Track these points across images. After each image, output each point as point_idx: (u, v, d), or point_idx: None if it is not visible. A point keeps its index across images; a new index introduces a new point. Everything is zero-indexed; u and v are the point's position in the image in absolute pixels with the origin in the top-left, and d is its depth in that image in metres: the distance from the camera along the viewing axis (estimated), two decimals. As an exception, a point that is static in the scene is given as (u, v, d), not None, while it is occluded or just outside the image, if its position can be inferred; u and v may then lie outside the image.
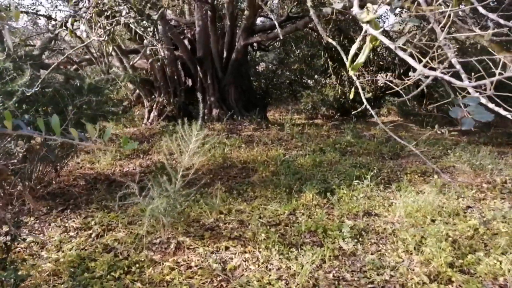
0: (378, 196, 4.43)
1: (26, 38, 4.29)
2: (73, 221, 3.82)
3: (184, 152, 3.63)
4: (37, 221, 3.86)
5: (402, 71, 12.29)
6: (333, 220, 3.76)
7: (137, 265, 2.92)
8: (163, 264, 2.96)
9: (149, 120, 9.39)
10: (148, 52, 6.14)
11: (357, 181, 4.70)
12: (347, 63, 1.99)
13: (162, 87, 9.10)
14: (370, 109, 2.80)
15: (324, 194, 4.47)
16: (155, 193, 3.12)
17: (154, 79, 9.22)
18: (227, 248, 3.20)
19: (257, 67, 15.16)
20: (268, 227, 3.51)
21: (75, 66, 9.66)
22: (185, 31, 10.66)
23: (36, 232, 3.67)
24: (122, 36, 9.19)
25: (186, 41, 10.40)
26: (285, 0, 11.87)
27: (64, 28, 4.29)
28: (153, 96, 9.36)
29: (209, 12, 8.47)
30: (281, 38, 10.99)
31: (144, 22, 3.78)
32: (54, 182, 4.88)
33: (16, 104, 3.66)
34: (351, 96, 3.16)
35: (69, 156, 4.80)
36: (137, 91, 10.31)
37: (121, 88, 13.16)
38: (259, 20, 13.06)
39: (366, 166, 5.59)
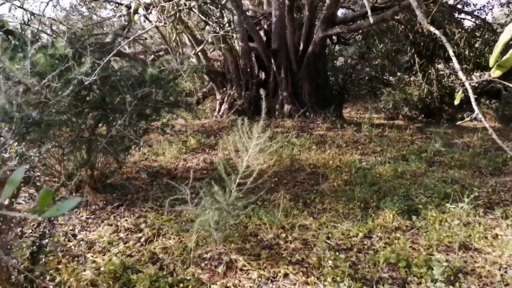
0: (477, 223, 3.60)
1: (91, 24, 4.17)
2: (126, 220, 3.59)
3: (244, 154, 3.18)
4: (92, 216, 3.69)
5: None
6: (419, 251, 3.06)
7: (182, 285, 2.54)
8: (210, 287, 2.55)
9: (220, 113, 9.18)
10: (210, 40, 5.77)
11: (448, 200, 3.91)
12: (491, 60, 1.34)
13: (234, 80, 8.81)
14: (479, 113, 2.21)
15: (407, 215, 3.75)
16: (207, 202, 2.71)
17: (227, 71, 8.96)
18: (286, 275, 2.69)
19: (335, 62, 14.30)
20: (337, 253, 2.93)
21: (152, 56, 9.78)
22: (261, 22, 10.26)
23: (89, 228, 3.50)
24: (198, 25, 9.05)
25: (261, 32, 10.00)
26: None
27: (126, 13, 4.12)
28: (225, 89, 9.12)
29: (286, 1, 7.93)
30: (365, 30, 10.11)
31: (210, 7, 3.38)
32: (115, 173, 4.76)
33: (73, 93, 3.49)
34: (457, 101, 2.47)
35: (130, 148, 4.62)
36: (211, 83, 10.19)
37: (194, 79, 13.27)
38: (339, 12, 12.23)
39: (459, 182, 4.70)
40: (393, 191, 4.46)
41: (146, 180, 4.93)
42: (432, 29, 2.65)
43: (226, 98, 8.97)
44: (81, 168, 4.10)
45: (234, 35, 9.03)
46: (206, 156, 6.00)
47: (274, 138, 7.02)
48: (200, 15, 5.11)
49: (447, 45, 2.60)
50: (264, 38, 9.83)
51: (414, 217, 3.64)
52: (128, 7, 5.68)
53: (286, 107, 8.58)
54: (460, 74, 2.47)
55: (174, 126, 5.83)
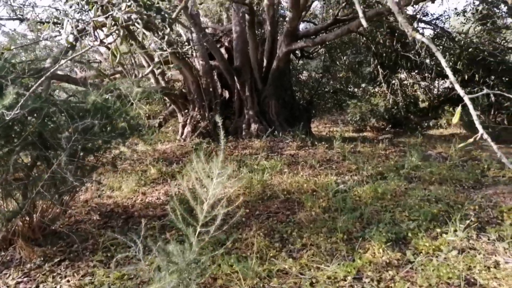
0: (473, 249, 3.23)
1: (19, 47, 3.57)
2: (68, 280, 2.95)
3: (207, 188, 2.66)
4: (25, 279, 3.02)
5: (466, 77, 10.77)
6: (419, 294, 2.63)
7: None
8: None
9: (183, 136, 8.60)
10: (157, 59, 5.28)
11: (436, 223, 3.55)
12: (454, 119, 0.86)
13: (196, 100, 8.29)
14: (484, 134, 1.91)
15: (397, 245, 3.34)
16: (163, 262, 2.15)
17: (188, 92, 8.43)
18: None
19: (299, 76, 14.09)
20: (325, 306, 2.44)
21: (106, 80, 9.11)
22: (222, 39, 9.86)
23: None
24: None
25: (223, 50, 9.60)
26: (332, 1, 10.76)
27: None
28: (187, 110, 8.57)
29: (247, 16, 7.57)
30: (329, 43, 9.92)
31: (157, 16, 2.87)
32: (60, 218, 4.08)
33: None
34: (456, 120, 2.13)
35: (75, 189, 3.98)
36: (172, 105, 9.60)
37: (153, 102, 12.62)
38: (301, 26, 12.06)
39: (443, 200, 4.37)
40: (376, 216, 4.05)
41: (98, 222, 4.28)
42: (419, 37, 2.29)
43: (188, 120, 8.42)
44: (13, 217, 3.42)
45: (194, 54, 8.56)
46: (168, 188, 5.40)
47: (243, 162, 6.55)
48: (145, 31, 4.56)
49: (438, 54, 2.25)
50: (226, 56, 9.42)
51: (403, 248, 3.23)
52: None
53: (253, 127, 8.14)
54: (458, 88, 2.12)
55: (128, 158, 5.22)
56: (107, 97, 3.41)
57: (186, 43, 7.94)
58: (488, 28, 10.09)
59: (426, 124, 12.97)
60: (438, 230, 3.54)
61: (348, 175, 5.56)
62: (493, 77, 10.95)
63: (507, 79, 11.36)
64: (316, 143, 7.44)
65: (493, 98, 9.94)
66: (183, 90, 8.68)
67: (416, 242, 3.33)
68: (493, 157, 6.57)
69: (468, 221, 3.62)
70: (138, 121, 4.82)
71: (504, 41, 11.02)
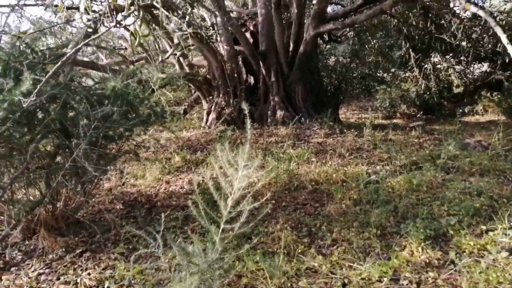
0: (524, 250, 2.92)
1: (34, 31, 3.45)
2: (89, 273, 2.86)
3: (230, 186, 2.47)
4: (46, 270, 2.95)
5: (507, 60, 10.06)
6: (464, 300, 2.37)
7: None
8: None
9: (207, 123, 8.46)
10: (176, 40, 5.08)
11: (479, 219, 3.26)
12: None
13: (220, 87, 8.10)
14: None
15: (436, 243, 3.07)
16: (183, 262, 1.99)
17: (212, 78, 8.24)
18: None
19: (326, 61, 13.62)
20: (360, 311, 2.23)
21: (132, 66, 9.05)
22: (247, 23, 9.58)
23: (41, 288, 2.75)
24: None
25: (248, 34, 9.32)
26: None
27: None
28: (211, 97, 8.41)
29: (273, -1, 7.26)
30: (359, 25, 9.47)
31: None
32: (82, 208, 4.02)
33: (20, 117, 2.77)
34: None
35: (97, 178, 3.88)
36: (197, 91, 9.46)
37: (178, 88, 12.54)
38: (329, 9, 11.59)
39: (485, 194, 4.03)
40: (412, 209, 3.78)
41: (122, 212, 4.19)
42: (474, 9, 2.01)
43: (213, 107, 8.26)
44: (36, 206, 3.36)
45: (218, 38, 8.34)
46: (192, 177, 5.27)
47: (268, 150, 6.34)
48: (164, 11, 4.36)
49: (498, 29, 1.98)
50: (251, 40, 9.15)
51: (446, 248, 2.96)
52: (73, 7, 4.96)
53: (279, 113, 7.89)
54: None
55: (151, 146, 5.11)
56: (127, 82, 3.25)
57: (211, 28, 7.72)
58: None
59: (461, 110, 12.32)
60: (483, 227, 3.24)
61: (379, 165, 5.26)
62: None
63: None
64: (344, 130, 7.12)
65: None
66: (208, 76, 8.50)
67: (458, 240, 3.05)
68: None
69: (514, 216, 3.30)
70: (161, 107, 4.69)
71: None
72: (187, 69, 8.52)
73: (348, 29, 11.88)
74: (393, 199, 4.01)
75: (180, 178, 5.28)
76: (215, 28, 7.73)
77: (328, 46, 13.92)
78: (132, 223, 3.87)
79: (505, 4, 10.10)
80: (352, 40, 12.33)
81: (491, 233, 3.10)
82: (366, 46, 12.81)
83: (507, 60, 10.16)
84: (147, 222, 3.82)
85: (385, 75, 14.86)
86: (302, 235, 3.35)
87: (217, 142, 6.69)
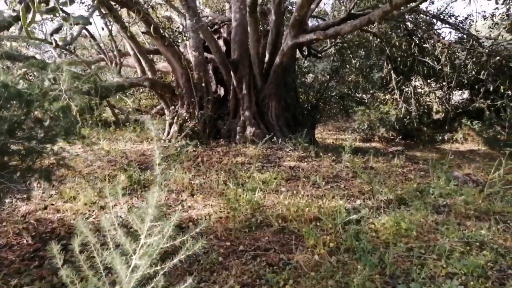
0: None
1: None
2: None
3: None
4: None
5: (491, 88, 9.64)
6: None
7: None
8: None
9: (168, 136, 7.51)
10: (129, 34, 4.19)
11: (486, 281, 2.47)
12: None
13: (185, 96, 7.20)
14: None
15: (439, 323, 2.25)
16: None
17: (176, 86, 7.34)
18: None
19: (304, 78, 12.95)
20: None
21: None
22: (221, 29, 8.79)
23: None
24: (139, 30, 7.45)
25: (221, 42, 8.52)
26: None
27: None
28: (173, 107, 7.49)
29: (247, 1, 6.46)
30: (340, 40, 8.82)
31: None
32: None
33: None
34: None
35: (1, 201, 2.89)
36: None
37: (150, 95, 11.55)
38: (310, 23, 10.96)
39: (487, 244, 3.29)
40: (402, 264, 2.97)
41: (27, 249, 3.19)
42: None
43: (176, 119, 7.33)
44: None
45: (186, 42, 7.49)
46: (134, 202, 4.31)
47: (232, 173, 5.47)
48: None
49: None
50: (224, 48, 8.35)
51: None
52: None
53: (249, 130, 7.04)
54: None
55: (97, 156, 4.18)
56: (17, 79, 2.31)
57: (177, 30, 6.86)
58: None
59: (440, 137, 11.86)
60: (498, 300, 2.45)
61: (360, 199, 4.46)
62: (520, 90, 9.85)
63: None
64: (321, 154, 6.34)
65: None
66: (172, 83, 7.60)
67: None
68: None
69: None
70: (125, 115, 3.76)
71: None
72: (149, 74, 7.59)
73: (329, 44, 11.29)
74: (378, 247, 3.19)
75: (119, 203, 4.30)
76: (184, 30, 6.87)
77: (307, 63, 13.32)
78: (34, 268, 2.89)
79: (491, 31, 9.75)
80: (333, 57, 11.72)
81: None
82: (347, 65, 12.25)
83: (491, 88, 9.76)
84: (54, 269, 2.84)
85: (364, 96, 14.38)
86: (259, 300, 2.47)
87: (173, 160, 5.76)
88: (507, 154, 9.21)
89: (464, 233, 3.51)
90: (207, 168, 5.50)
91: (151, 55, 8.88)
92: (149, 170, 5.35)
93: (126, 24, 6.61)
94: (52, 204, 4.21)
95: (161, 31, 6.15)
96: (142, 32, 6.72)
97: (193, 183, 4.84)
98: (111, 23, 6.30)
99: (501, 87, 9.94)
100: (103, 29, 6.89)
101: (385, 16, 5.12)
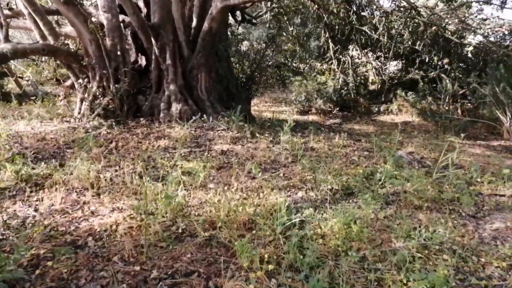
0: None
1: None
2: None
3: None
4: None
5: (427, 59, 9.53)
6: None
7: None
8: None
9: (79, 114, 6.34)
10: None
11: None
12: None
13: (96, 67, 6.03)
14: None
15: None
16: None
17: (85, 54, 6.11)
18: None
19: (239, 46, 12.03)
20: None
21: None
22: (140, -12, 7.53)
23: None
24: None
25: (141, 2, 7.31)
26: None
27: None
28: (84, 80, 6.28)
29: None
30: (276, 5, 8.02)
31: None
32: None
33: None
34: None
35: None
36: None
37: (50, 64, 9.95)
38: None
39: (445, 244, 2.87)
40: (356, 282, 2.40)
41: None
42: None
43: (86, 94, 6.16)
44: None
45: (97, 1, 6.23)
46: (19, 208, 3.30)
47: (152, 161, 4.58)
48: None
49: None
50: (145, 11, 7.17)
51: None
52: None
53: (175, 107, 6.12)
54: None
55: None
56: None
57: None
58: (454, 5, 8.86)
59: (376, 108, 11.77)
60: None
61: (302, 190, 3.86)
62: (452, 62, 9.87)
63: (465, 65, 10.40)
64: (257, 134, 5.64)
65: (457, 85, 8.82)
66: (80, 50, 6.35)
67: None
68: (479, 162, 5.29)
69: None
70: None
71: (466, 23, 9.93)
72: (51, 40, 6.24)
73: (264, 9, 10.46)
74: (326, 259, 2.60)
75: (2, 207, 3.27)
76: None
77: (241, 30, 12.39)
78: None
79: (427, 0, 9.54)
80: (268, 24, 10.92)
81: None
82: (284, 33, 11.55)
83: (426, 59, 9.66)
84: None
85: (301, 65, 13.88)
86: None
87: (79, 147, 4.72)
88: (440, 126, 9.28)
89: (418, 230, 3.04)
90: (122, 156, 4.56)
91: (55, 16, 7.43)
92: (48, 160, 4.28)
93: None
94: None
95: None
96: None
97: (101, 178, 3.90)
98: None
99: (435, 58, 9.90)
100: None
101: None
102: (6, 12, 6.73)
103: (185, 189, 3.60)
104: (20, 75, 10.93)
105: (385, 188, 3.99)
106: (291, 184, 3.97)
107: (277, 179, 4.03)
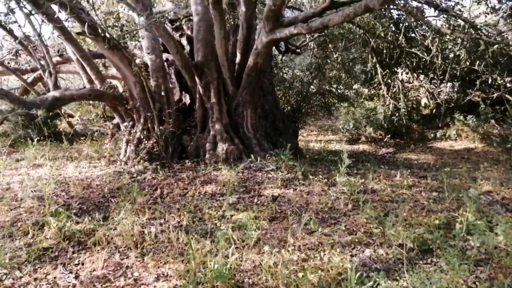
0: None
1: None
2: None
3: None
4: None
5: (490, 80, 8.70)
6: None
7: None
8: None
9: (125, 157, 6.22)
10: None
11: None
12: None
13: (140, 109, 5.92)
14: None
15: None
16: None
17: (129, 97, 6.04)
18: None
19: (281, 75, 11.73)
20: None
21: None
22: (183, 26, 7.50)
23: None
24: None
25: (184, 40, 7.25)
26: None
27: None
28: (128, 123, 6.19)
29: (211, -11, 5.22)
30: (323, 33, 7.68)
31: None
32: None
33: None
34: None
35: None
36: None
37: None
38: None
39: None
40: None
41: None
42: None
43: (132, 137, 6.04)
44: None
45: (139, 43, 6.20)
46: (59, 275, 3.05)
47: (199, 211, 4.25)
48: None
49: None
50: (188, 48, 7.09)
51: None
52: None
53: (221, 147, 5.84)
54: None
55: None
56: None
57: (124, 26, 5.56)
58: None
59: (432, 135, 10.94)
60: None
61: (370, 247, 3.34)
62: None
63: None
64: (309, 175, 5.18)
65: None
66: (125, 93, 6.30)
67: None
68: None
69: None
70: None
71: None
72: (97, 84, 6.25)
73: (308, 39, 10.15)
74: None
75: (37, 279, 3.03)
76: (133, 29, 5.58)
77: (283, 58, 12.16)
78: None
79: (485, 17, 8.79)
80: (312, 52, 10.59)
81: None
82: (328, 60, 11.15)
83: (489, 80, 8.84)
84: None
85: (346, 91, 13.35)
86: None
87: (123, 197, 4.49)
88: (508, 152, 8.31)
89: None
90: (167, 206, 4.27)
91: (102, 60, 7.53)
92: (89, 214, 4.07)
93: (64, 22, 5.29)
94: None
95: (103, 31, 4.85)
96: (77, 33, 5.36)
97: (146, 234, 3.60)
98: (43, 22, 4.98)
99: (498, 78, 9.05)
100: (39, 34, 5.54)
101: (384, 4, 3.99)
102: (57, 58, 6.87)
103: (235, 247, 3.20)
104: (71, 115, 11.26)
105: (467, 242, 3.38)
106: (356, 239, 3.46)
107: (339, 233, 3.54)
